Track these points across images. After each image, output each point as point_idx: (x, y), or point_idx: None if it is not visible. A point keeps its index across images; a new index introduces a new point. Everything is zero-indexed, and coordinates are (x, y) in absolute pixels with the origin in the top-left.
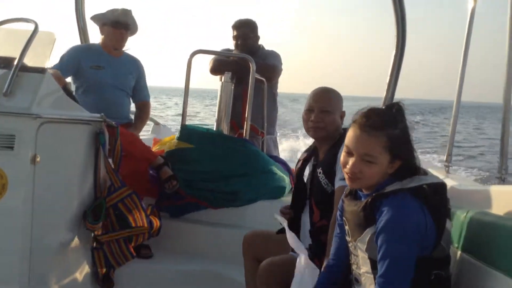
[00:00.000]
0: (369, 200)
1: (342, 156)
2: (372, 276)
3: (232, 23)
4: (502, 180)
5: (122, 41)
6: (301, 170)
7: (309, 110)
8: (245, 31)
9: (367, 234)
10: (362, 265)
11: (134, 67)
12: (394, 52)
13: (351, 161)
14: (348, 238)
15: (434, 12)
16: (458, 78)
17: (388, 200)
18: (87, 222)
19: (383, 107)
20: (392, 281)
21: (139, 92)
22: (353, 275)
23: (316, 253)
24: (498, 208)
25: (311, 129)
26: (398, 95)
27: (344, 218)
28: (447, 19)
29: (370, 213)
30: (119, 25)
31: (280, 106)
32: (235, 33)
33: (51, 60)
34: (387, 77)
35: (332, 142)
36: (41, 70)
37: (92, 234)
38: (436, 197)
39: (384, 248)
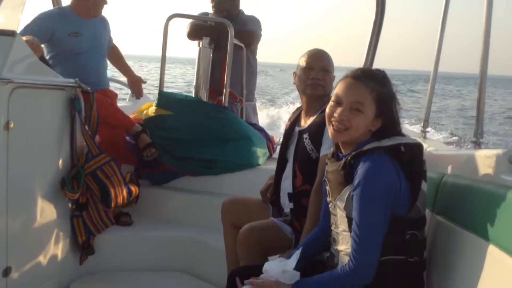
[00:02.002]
0: (348, 158)
1: (328, 108)
2: (349, 234)
3: None
4: (478, 145)
5: (99, 6)
6: (288, 133)
7: (308, 68)
8: None
9: (346, 192)
10: (340, 224)
11: (105, 26)
12: (373, 19)
13: (339, 110)
14: (328, 199)
15: None
16: (436, 47)
17: (365, 157)
18: (66, 191)
19: (371, 68)
20: (364, 237)
21: (108, 45)
22: (331, 236)
23: (296, 216)
24: (473, 172)
25: (309, 87)
26: (376, 65)
27: (325, 178)
28: None
29: (349, 171)
30: None
31: (266, 76)
32: None
33: (21, 23)
34: (366, 45)
35: (321, 107)
36: (11, 33)
37: (70, 202)
38: (411, 157)
39: (356, 205)
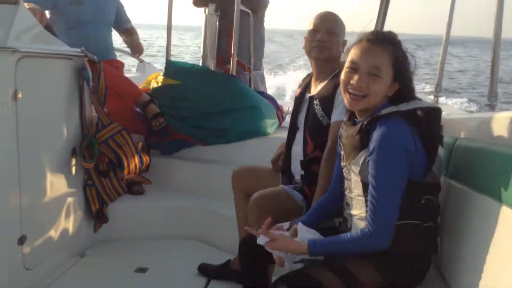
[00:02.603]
0: (365, 123)
1: (343, 75)
2: (363, 199)
3: None
4: (492, 108)
5: None
6: (299, 99)
7: (314, 30)
8: None
9: (361, 156)
10: (354, 189)
11: None
12: None
13: (356, 77)
14: (342, 163)
15: None
16: (448, 10)
17: (381, 122)
18: (81, 160)
19: (384, 32)
20: (382, 201)
21: (123, 18)
22: (345, 201)
23: (307, 182)
24: (487, 135)
25: (315, 49)
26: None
27: (340, 143)
28: None
29: (365, 136)
30: None
31: (273, 43)
32: None
33: None
34: (376, 11)
35: (332, 73)
36: (14, 1)
37: (83, 171)
38: (428, 122)
39: (372, 169)
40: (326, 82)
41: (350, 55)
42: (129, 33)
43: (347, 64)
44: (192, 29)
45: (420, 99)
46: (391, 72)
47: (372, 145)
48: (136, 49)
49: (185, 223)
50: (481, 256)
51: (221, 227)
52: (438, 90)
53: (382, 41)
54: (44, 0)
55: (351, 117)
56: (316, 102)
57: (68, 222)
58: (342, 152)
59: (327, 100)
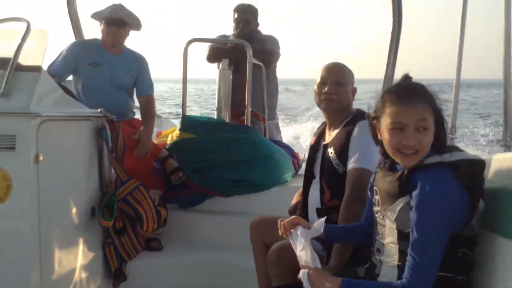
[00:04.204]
0: (407, 170)
1: (389, 136)
2: (396, 247)
3: (234, 6)
4: (508, 148)
5: (116, 38)
6: (314, 148)
7: (322, 83)
8: (247, 16)
9: (399, 203)
10: (387, 235)
11: (133, 63)
12: (391, 29)
13: (405, 135)
14: (376, 208)
15: None
16: (457, 55)
17: (426, 172)
18: (100, 218)
19: (406, 80)
20: (424, 257)
21: (140, 87)
22: (375, 246)
23: None
24: (503, 176)
25: (324, 102)
26: (397, 76)
27: (375, 188)
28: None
29: (406, 183)
30: (111, 22)
31: (289, 92)
32: (236, 15)
33: (46, 58)
34: (386, 57)
35: (344, 120)
36: (37, 69)
37: (102, 230)
38: (473, 175)
39: (418, 223)
40: (339, 130)
41: (390, 116)
42: (141, 103)
43: (389, 125)
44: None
45: (462, 150)
46: (433, 121)
47: (419, 197)
48: (141, 148)
49: (205, 278)
50: None
51: (242, 279)
52: (453, 132)
53: (416, 93)
54: (67, 67)
55: (389, 163)
56: (330, 150)
57: (87, 283)
58: (377, 197)
59: (341, 148)
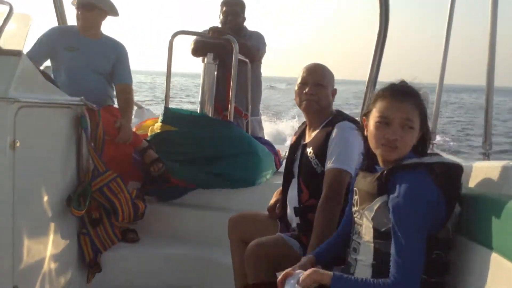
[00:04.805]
0: (386, 170)
1: (375, 129)
2: (372, 245)
3: (221, 1)
4: (487, 156)
5: (86, 21)
6: (294, 148)
7: (302, 84)
8: (236, 8)
9: (377, 202)
10: (364, 235)
11: (112, 49)
12: (377, 31)
13: (389, 130)
14: (354, 208)
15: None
16: (441, 59)
17: (404, 173)
18: (72, 207)
19: (402, 83)
20: (406, 258)
21: (117, 74)
22: (351, 246)
23: (304, 231)
24: (482, 184)
25: (304, 102)
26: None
27: (355, 188)
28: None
29: (385, 183)
30: (79, 5)
31: (274, 90)
32: (224, 9)
33: (28, 43)
34: (371, 58)
35: (323, 121)
36: (17, 53)
37: (78, 220)
38: (450, 178)
39: (398, 224)
40: (318, 130)
41: (379, 110)
42: (118, 91)
43: (376, 118)
44: (193, 76)
45: (440, 155)
46: (419, 122)
47: (397, 199)
48: (122, 135)
49: (181, 272)
50: None
51: (218, 275)
52: (433, 138)
53: (409, 94)
54: (43, 48)
55: (369, 166)
56: (309, 150)
57: (61, 272)
58: (356, 197)
59: (320, 148)
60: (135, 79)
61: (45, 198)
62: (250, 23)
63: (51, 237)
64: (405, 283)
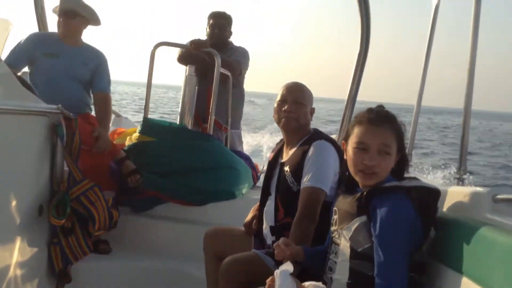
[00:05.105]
0: (366, 192)
1: (353, 154)
2: (348, 265)
3: (208, 14)
4: (461, 181)
5: (66, 29)
6: (271, 165)
7: (282, 101)
8: (223, 22)
9: (355, 222)
10: (341, 254)
11: (92, 57)
12: (358, 50)
13: (367, 155)
14: (333, 228)
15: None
16: (420, 80)
17: (384, 195)
18: (51, 217)
19: (379, 108)
20: (390, 280)
21: (96, 83)
22: (327, 265)
23: None
24: (456, 209)
25: (283, 119)
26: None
27: (335, 208)
28: (412, 18)
29: (364, 204)
30: (61, 12)
31: (254, 105)
32: (211, 22)
33: (6, 48)
34: (350, 77)
35: (301, 139)
36: None
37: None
38: (427, 202)
39: (381, 246)
40: (295, 148)
41: (356, 136)
42: (96, 99)
43: (354, 144)
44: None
45: (418, 179)
46: (396, 147)
47: (377, 222)
48: (99, 143)
49: (154, 285)
50: None
51: None
52: (410, 159)
53: (386, 119)
54: (22, 54)
55: (349, 187)
56: (286, 168)
57: (29, 283)
58: (335, 217)
59: (297, 166)
60: (121, 88)
61: (15, 207)
62: (250, 23)
63: (19, 246)
64: None
